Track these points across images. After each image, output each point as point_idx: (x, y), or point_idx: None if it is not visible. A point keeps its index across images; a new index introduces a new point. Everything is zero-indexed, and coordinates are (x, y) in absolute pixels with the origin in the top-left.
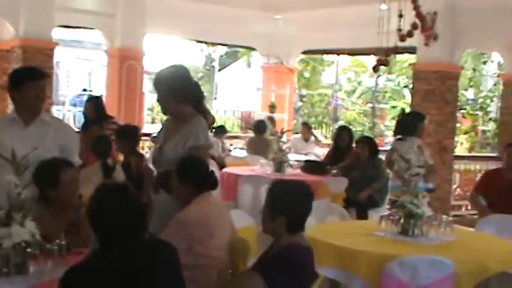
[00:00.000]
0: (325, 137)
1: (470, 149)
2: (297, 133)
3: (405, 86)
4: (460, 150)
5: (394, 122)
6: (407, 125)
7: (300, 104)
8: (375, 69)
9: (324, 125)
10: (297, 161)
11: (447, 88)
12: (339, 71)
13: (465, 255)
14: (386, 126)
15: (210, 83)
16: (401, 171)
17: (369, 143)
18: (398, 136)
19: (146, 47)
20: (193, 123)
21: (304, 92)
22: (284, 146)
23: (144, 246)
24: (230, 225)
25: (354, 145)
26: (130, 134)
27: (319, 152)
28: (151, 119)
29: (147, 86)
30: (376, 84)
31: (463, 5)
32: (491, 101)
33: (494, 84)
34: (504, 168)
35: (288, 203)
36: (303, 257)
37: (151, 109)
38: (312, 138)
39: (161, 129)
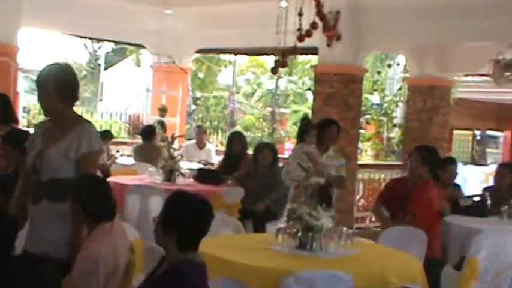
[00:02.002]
0: (221, 144)
1: (375, 157)
2: (190, 139)
3: (308, 89)
4: (363, 158)
5: (295, 128)
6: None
7: (193, 107)
8: (274, 70)
9: (219, 131)
10: (190, 169)
11: (350, 92)
12: (236, 72)
13: (365, 270)
14: (286, 132)
15: (94, 82)
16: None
17: (273, 151)
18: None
19: (21, 42)
20: (82, 128)
21: (198, 94)
22: (175, 153)
23: (15, 260)
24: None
25: (249, 152)
26: (20, 140)
27: (214, 160)
28: (26, 122)
29: (22, 85)
30: (276, 86)
31: (366, 4)
32: (397, 106)
33: (400, 89)
34: (408, 177)
35: (181, 219)
36: (196, 274)
37: (27, 111)
38: (208, 144)
39: (34, 133)
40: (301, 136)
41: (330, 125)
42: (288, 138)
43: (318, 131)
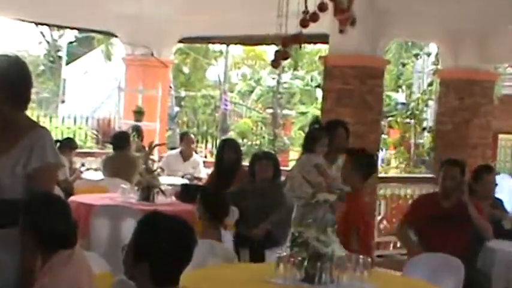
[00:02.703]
0: (210, 154)
1: (400, 168)
2: (173, 148)
3: (317, 86)
4: (386, 170)
5: (301, 134)
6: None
7: (176, 109)
8: (275, 63)
9: (208, 138)
10: (172, 185)
11: (368, 88)
12: (229, 66)
13: None
14: (291, 138)
15: (54, 79)
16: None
17: (274, 162)
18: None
19: None
20: (35, 136)
21: (183, 93)
22: (154, 166)
23: None
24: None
25: (244, 164)
26: None
27: (202, 174)
28: None
29: None
30: (279, 83)
31: None
32: (426, 105)
33: (430, 84)
34: (440, 194)
35: (156, 246)
36: None
37: None
38: (194, 155)
39: None
40: (310, 145)
41: (335, 126)
42: (293, 147)
43: None
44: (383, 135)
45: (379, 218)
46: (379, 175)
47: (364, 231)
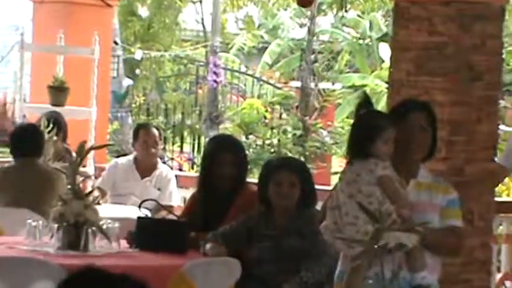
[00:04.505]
0: (191, 164)
1: None
2: (122, 154)
3: (382, 38)
4: (506, 191)
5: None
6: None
7: (128, 82)
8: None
9: (187, 134)
10: (118, 220)
11: (476, 42)
12: (220, 3)
13: None
14: (334, 134)
15: None
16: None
17: (301, 177)
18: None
19: None
20: None
21: (138, 54)
22: (89, 185)
23: None
24: None
25: (250, 181)
26: None
27: (174, 199)
28: None
29: None
30: (312, 34)
31: None
32: None
33: None
34: None
35: None
36: None
37: None
38: (161, 165)
39: None
40: (363, 144)
41: (410, 110)
42: (338, 148)
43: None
44: (502, 126)
45: (498, 275)
46: (497, 199)
47: None
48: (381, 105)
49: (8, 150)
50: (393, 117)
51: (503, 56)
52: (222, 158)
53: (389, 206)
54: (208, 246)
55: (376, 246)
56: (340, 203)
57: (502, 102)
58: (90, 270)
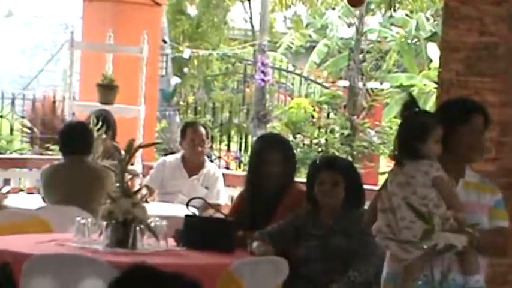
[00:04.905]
0: (238, 162)
1: None
2: (170, 153)
3: (430, 38)
4: None
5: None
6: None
7: (176, 81)
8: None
9: (234, 132)
10: (167, 217)
11: None
12: (269, 3)
13: None
14: (382, 134)
15: None
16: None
17: (346, 175)
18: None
19: None
20: None
21: (187, 52)
22: (136, 183)
23: None
24: None
25: (298, 181)
26: None
27: (222, 197)
28: None
29: None
30: (360, 33)
31: None
32: None
33: None
34: None
35: None
36: None
37: None
38: (208, 164)
39: None
40: (414, 145)
41: (471, 113)
42: (385, 148)
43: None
44: None
45: None
46: None
47: None
48: (429, 105)
49: (57, 148)
50: (454, 118)
51: None
52: (270, 156)
53: (446, 211)
54: (255, 245)
55: (425, 247)
56: (395, 207)
57: None
58: (142, 268)
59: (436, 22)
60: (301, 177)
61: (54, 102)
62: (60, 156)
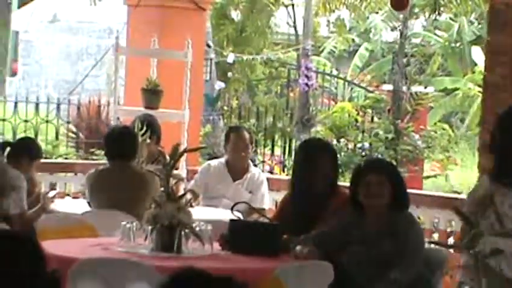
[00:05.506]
0: (281, 167)
1: None
2: (214, 157)
3: (475, 41)
4: None
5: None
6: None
7: (220, 85)
8: (398, 2)
9: (278, 137)
10: (212, 222)
11: None
12: (312, 7)
13: None
14: (427, 138)
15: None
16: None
17: (391, 177)
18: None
19: None
20: None
21: (230, 57)
22: (181, 187)
23: None
24: None
25: (342, 185)
26: None
27: (266, 201)
28: None
29: None
30: (405, 37)
31: None
32: None
33: None
34: None
35: None
36: None
37: None
38: (252, 168)
39: None
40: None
41: None
42: (431, 153)
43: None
44: None
45: None
46: None
47: None
48: (474, 109)
49: (102, 152)
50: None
51: None
52: (315, 160)
53: None
54: (300, 249)
55: (471, 252)
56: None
57: None
58: (191, 272)
59: (480, 26)
60: (345, 182)
61: (99, 107)
62: (105, 161)
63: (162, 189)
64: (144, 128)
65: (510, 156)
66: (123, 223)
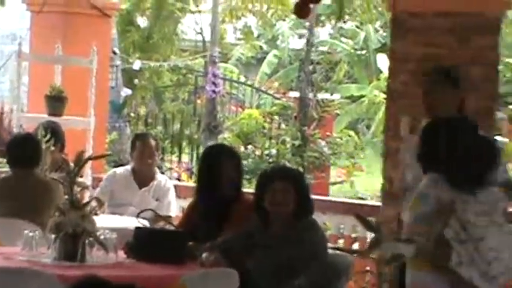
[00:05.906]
0: (189, 173)
1: None
2: (119, 165)
3: (380, 49)
4: None
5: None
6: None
7: (126, 92)
8: (302, 10)
9: (185, 144)
10: (116, 229)
11: (474, 54)
12: (220, 14)
13: None
14: (332, 144)
15: None
16: None
17: (296, 184)
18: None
19: None
20: None
21: (137, 64)
22: (86, 195)
23: None
24: None
25: (246, 191)
26: None
27: (173, 209)
28: None
29: None
30: (311, 45)
31: None
32: None
33: None
34: None
35: None
36: None
37: None
38: (159, 175)
39: None
40: (485, 173)
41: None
42: (337, 160)
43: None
44: (499, 137)
45: None
46: None
47: None
48: (380, 115)
49: (4, 160)
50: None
51: (500, 67)
52: (219, 165)
53: None
54: (206, 256)
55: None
56: (476, 238)
57: (499, 114)
58: (92, 280)
59: (385, 33)
60: (252, 188)
61: (1, 114)
62: (7, 168)
63: (66, 197)
64: (48, 135)
65: (468, 164)
66: (26, 232)
